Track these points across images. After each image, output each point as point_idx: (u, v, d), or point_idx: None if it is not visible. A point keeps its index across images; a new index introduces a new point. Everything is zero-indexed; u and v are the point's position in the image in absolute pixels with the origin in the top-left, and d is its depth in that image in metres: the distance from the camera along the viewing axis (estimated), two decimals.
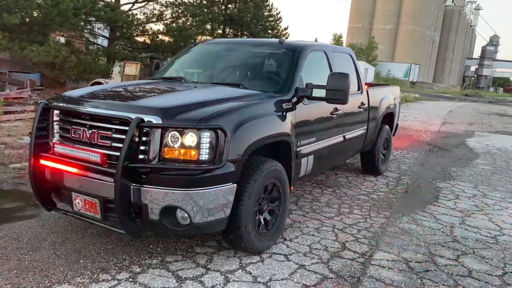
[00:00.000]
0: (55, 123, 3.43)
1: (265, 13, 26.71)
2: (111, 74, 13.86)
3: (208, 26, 25.45)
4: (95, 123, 3.16)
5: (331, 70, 4.83)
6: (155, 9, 18.56)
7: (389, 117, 6.77)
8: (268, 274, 3.26)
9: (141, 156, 3.00)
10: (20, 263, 3.18)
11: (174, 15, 19.21)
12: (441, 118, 18.02)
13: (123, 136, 2.95)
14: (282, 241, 3.90)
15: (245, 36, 25.15)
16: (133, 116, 2.96)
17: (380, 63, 64.10)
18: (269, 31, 27.08)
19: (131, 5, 17.12)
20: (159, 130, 2.97)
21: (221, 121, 3.06)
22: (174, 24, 19.35)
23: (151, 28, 19.40)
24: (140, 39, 18.85)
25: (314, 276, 3.28)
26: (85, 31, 15.89)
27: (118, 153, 2.94)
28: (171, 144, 2.98)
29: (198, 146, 2.97)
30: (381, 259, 3.67)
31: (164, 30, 18.60)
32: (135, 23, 16.03)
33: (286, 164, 3.85)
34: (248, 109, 3.41)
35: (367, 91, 5.85)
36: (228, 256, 3.52)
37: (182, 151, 2.98)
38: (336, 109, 4.74)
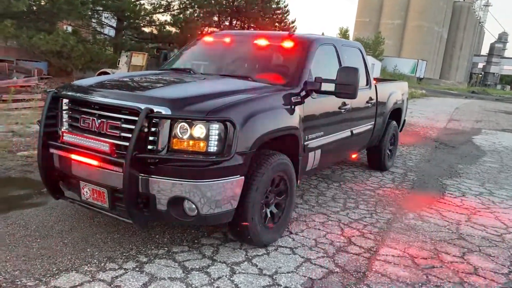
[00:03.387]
0: (64, 112, 3.44)
1: (273, 6, 26.54)
2: (118, 64, 13.86)
3: (215, 18, 25.37)
4: (104, 112, 3.16)
5: (340, 64, 4.81)
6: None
7: (396, 113, 6.74)
8: (274, 266, 3.27)
9: (150, 147, 3.00)
10: (28, 250, 3.20)
11: (181, 6, 19.12)
12: (447, 115, 17.92)
13: (132, 126, 2.95)
14: (288, 234, 3.90)
15: (252, 29, 25.02)
16: (142, 106, 2.95)
17: (387, 58, 63.74)
18: (277, 24, 26.94)
19: None
20: (168, 121, 2.97)
21: (230, 113, 3.05)
22: (181, 15, 19.28)
23: (158, 19, 19.38)
24: (147, 29, 18.81)
25: (319, 270, 3.29)
26: (93, 20, 15.86)
27: (127, 143, 2.94)
28: (180, 135, 2.98)
29: (206, 138, 2.97)
30: (386, 255, 3.67)
31: (171, 21, 18.54)
32: (142, 13, 15.98)
33: (293, 158, 3.85)
34: (257, 102, 3.40)
35: (375, 86, 5.82)
36: (234, 248, 3.53)
37: (191, 142, 2.98)
38: (344, 104, 4.72)
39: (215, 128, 2.97)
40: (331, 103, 4.49)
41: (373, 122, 5.79)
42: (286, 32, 4.57)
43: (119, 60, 13.95)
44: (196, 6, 18.98)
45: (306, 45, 4.32)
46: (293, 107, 3.79)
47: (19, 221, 3.70)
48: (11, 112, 8.27)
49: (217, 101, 3.16)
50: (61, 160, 3.35)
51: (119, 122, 3.09)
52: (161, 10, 17.81)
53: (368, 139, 5.86)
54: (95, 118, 3.20)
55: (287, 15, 27.48)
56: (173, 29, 19.15)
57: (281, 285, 3.01)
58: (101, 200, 3.20)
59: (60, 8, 11.75)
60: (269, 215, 3.62)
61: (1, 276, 2.81)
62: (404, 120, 7.45)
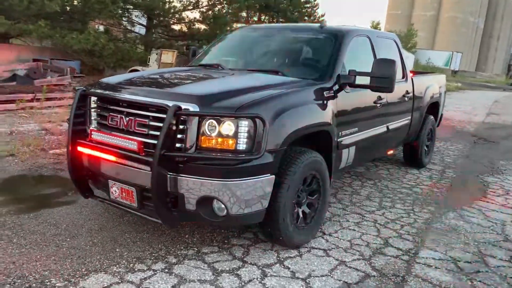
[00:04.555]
0: (92, 109, 3.39)
1: (302, 0, 26.19)
2: (148, 62, 13.95)
3: (244, 14, 25.26)
4: (132, 110, 3.09)
5: (375, 56, 4.60)
6: None
7: (434, 107, 6.44)
8: (307, 269, 3.13)
9: (178, 145, 2.90)
10: (58, 250, 3.18)
11: (210, 3, 19.08)
12: (485, 108, 17.19)
13: (160, 124, 2.87)
14: (321, 235, 3.75)
15: (281, 23, 24.76)
16: (170, 103, 2.86)
17: (420, 51, 62.07)
18: (306, 17, 26.57)
19: None
20: (197, 118, 2.87)
21: (259, 110, 2.92)
22: (210, 12, 19.26)
23: (187, 16, 19.41)
24: (176, 27, 18.88)
25: (355, 274, 3.12)
26: (124, 19, 16.02)
27: (155, 141, 2.87)
28: (208, 133, 2.87)
29: (235, 135, 2.85)
30: (426, 258, 3.46)
31: (200, 18, 18.53)
32: (172, 11, 16.03)
33: (326, 155, 3.69)
34: (287, 97, 3.26)
35: (412, 79, 5.56)
36: (265, 249, 3.41)
37: (220, 140, 2.87)
38: (379, 98, 4.51)
39: (244, 125, 2.84)
40: (366, 97, 4.29)
41: (409, 117, 5.54)
42: (317, 24, 4.38)
43: (149, 58, 14.04)
44: (224, 2, 18.89)
45: (338, 37, 4.13)
46: (325, 102, 3.63)
47: (49, 219, 3.69)
48: (44, 110, 8.42)
49: (245, 97, 3.03)
50: (89, 159, 3.30)
51: (147, 120, 3.01)
52: (190, 7, 17.80)
53: (405, 134, 5.61)
54: (123, 116, 3.13)
55: (317, 9, 27.09)
56: (202, 26, 19.15)
57: None
58: (130, 199, 3.13)
59: (91, 7, 11.92)
60: (301, 215, 3.47)
61: (31, 277, 2.79)
62: (442, 115, 7.13)
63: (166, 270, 2.98)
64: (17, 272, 2.83)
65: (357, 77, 3.86)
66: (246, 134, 2.85)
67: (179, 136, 2.90)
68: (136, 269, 2.97)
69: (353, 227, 3.97)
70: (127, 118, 3.10)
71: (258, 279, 2.95)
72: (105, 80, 3.58)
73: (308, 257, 3.33)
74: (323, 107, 3.57)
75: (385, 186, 5.33)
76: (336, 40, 4.12)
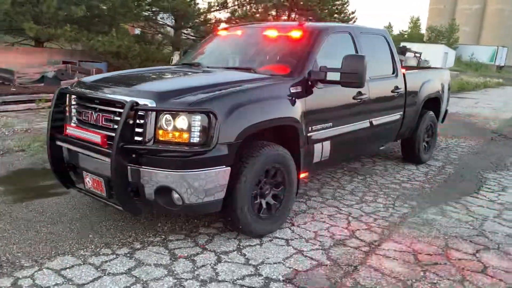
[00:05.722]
0: (72, 106, 3.68)
1: None
2: (171, 62, 14.34)
3: (273, 12, 25.38)
4: (100, 106, 3.35)
5: (357, 53, 4.65)
6: None
7: (433, 103, 6.37)
8: (262, 257, 3.27)
9: (138, 138, 3.12)
10: (37, 234, 3.48)
11: (236, 3, 19.35)
12: None
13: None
14: (289, 226, 3.87)
15: (309, 21, 24.71)
16: (128, 99, 3.09)
17: (462, 46, 59.98)
18: (336, 15, 26.38)
19: None
20: (154, 113, 3.08)
21: (213, 105, 3.09)
22: (237, 12, 19.53)
23: (215, 17, 19.77)
24: (204, 27, 19.25)
25: (308, 262, 3.23)
26: (150, 21, 16.56)
27: None
28: (165, 127, 3.08)
29: (189, 129, 3.04)
30: (388, 249, 3.52)
31: (228, 18, 18.83)
32: (195, 13, 16.40)
33: (295, 149, 3.82)
34: (245, 93, 3.41)
35: (403, 74, 5.54)
36: (229, 238, 3.58)
37: (176, 133, 3.07)
38: (360, 93, 4.56)
39: (197, 119, 3.03)
40: (343, 93, 4.35)
41: (401, 112, 5.53)
42: (296, 23, 4.49)
43: (172, 59, 14.44)
44: (252, 2, 19.10)
45: (311, 34, 4.24)
46: (291, 97, 3.74)
47: (38, 208, 4.02)
48: None
49: (202, 93, 3.21)
50: (67, 152, 3.59)
51: (111, 115, 3.25)
52: (215, 8, 18.13)
53: (397, 130, 5.61)
54: (93, 112, 3.40)
55: (347, 6, 26.81)
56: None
57: (262, 275, 3.02)
58: (100, 189, 3.39)
59: (116, 11, 12.45)
60: (264, 206, 3.61)
61: (4, 257, 3.09)
62: (446, 111, 7.02)
63: (128, 255, 3.21)
64: None
65: (328, 73, 3.95)
66: (199, 128, 3.04)
67: (139, 130, 3.12)
68: (101, 253, 3.22)
69: (325, 219, 4.07)
70: (96, 114, 3.36)
71: (211, 265, 3.13)
72: (84, 79, 3.87)
73: (268, 246, 3.47)
74: (288, 102, 3.69)
75: (374, 182, 5.36)
76: (309, 37, 4.23)
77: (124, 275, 2.94)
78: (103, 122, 3.31)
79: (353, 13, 27.07)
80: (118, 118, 3.18)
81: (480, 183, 5.55)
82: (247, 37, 4.74)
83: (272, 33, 4.50)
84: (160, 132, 3.08)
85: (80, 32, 12.32)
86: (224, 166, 3.18)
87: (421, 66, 23.67)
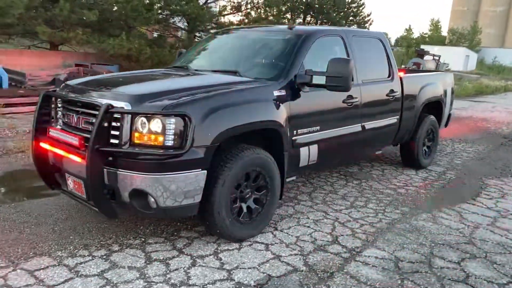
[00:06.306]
0: (58, 109, 3.72)
1: (347, 0, 25.83)
2: None
3: (288, 16, 25.35)
4: (80, 109, 3.38)
5: (348, 56, 4.60)
6: (231, 1, 18.92)
7: (435, 107, 6.24)
8: (238, 262, 3.25)
9: (114, 141, 3.14)
10: (19, 235, 3.53)
11: (250, 6, 19.40)
12: None
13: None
14: (272, 230, 3.84)
15: (323, 25, 24.59)
16: (106, 102, 3.11)
17: (485, 49, 58.93)
18: (351, 17, 26.19)
19: None
20: (130, 116, 3.09)
21: (188, 108, 3.09)
22: (251, 15, 19.57)
23: (229, 20, 19.86)
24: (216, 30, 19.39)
25: (283, 268, 3.19)
26: (163, 24, 16.73)
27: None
28: (140, 130, 3.09)
29: (163, 132, 3.04)
30: (369, 256, 3.45)
31: (240, 21, 18.89)
32: (207, 16, 16.50)
33: (280, 153, 3.79)
34: (223, 97, 3.39)
35: (400, 78, 5.45)
36: (208, 241, 3.56)
37: (151, 136, 3.07)
38: (350, 97, 4.50)
39: (171, 122, 3.03)
40: (332, 97, 4.29)
41: (398, 116, 5.44)
42: (286, 26, 4.46)
43: None
44: (264, 5, 19.11)
45: (299, 38, 4.20)
46: (276, 101, 3.72)
47: (26, 209, 4.08)
48: None
49: (178, 97, 3.21)
50: (51, 154, 3.64)
51: (90, 118, 3.28)
52: (228, 12, 18.22)
53: (393, 134, 5.51)
54: (74, 115, 3.44)
55: (363, 8, 26.57)
56: None
57: (234, 280, 2.99)
58: (80, 191, 3.41)
59: (127, 15, 12.63)
60: (245, 210, 3.59)
61: None
62: (450, 115, 6.87)
63: (104, 257, 3.23)
64: None
65: (314, 76, 3.90)
66: (173, 131, 3.03)
67: (115, 132, 3.14)
68: (77, 255, 3.24)
69: (309, 224, 4.02)
70: (77, 117, 3.40)
71: (185, 268, 3.11)
72: (70, 82, 3.91)
73: (246, 250, 3.44)
74: (270, 105, 3.66)
75: (368, 186, 5.27)
76: (297, 41, 4.19)
77: (96, 277, 2.95)
78: (83, 125, 3.34)
79: (368, 15, 26.83)
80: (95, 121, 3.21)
81: (479, 190, 5.41)
82: (237, 40, 4.74)
83: (260, 36, 4.49)
84: (136, 135, 3.09)
85: (92, 35, 12.53)
86: (200, 169, 3.17)
87: (439, 69, 23.32)
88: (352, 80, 4.53)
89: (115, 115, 3.12)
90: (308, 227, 3.96)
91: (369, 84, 4.85)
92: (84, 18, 11.81)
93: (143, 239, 3.55)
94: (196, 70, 4.34)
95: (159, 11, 14.77)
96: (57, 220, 3.86)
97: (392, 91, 5.23)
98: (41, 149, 3.67)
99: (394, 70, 5.35)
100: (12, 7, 10.97)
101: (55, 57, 14.03)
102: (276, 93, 3.75)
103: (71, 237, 3.54)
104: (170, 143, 3.04)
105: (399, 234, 3.91)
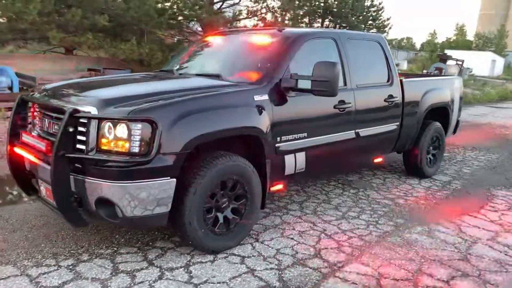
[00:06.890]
0: (32, 113, 3.65)
1: (366, 4, 25.46)
2: None
3: (306, 20, 25.16)
4: (50, 113, 3.29)
5: (341, 60, 4.40)
6: (247, 6, 18.86)
7: (440, 113, 5.96)
8: (208, 275, 3.07)
9: (81, 147, 3.02)
10: None
11: (266, 10, 19.27)
12: None
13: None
14: (252, 241, 3.65)
15: (341, 29, 24.28)
16: (70, 106, 3.00)
17: None
18: (370, 21, 25.80)
19: (221, 3, 17.65)
20: (96, 121, 2.97)
21: (155, 113, 2.94)
22: (267, 19, 19.45)
23: (244, 25, 19.77)
24: None
25: (255, 283, 3.00)
26: (177, 29, 16.76)
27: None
28: (107, 136, 2.96)
29: (129, 138, 2.90)
30: (350, 272, 3.23)
31: (254, 26, 18.80)
32: (221, 21, 16.44)
33: (262, 160, 3.62)
34: (196, 101, 3.23)
35: (401, 82, 5.20)
36: (182, 253, 3.40)
37: (118, 142, 2.94)
38: (342, 102, 4.29)
39: (137, 128, 2.89)
40: (322, 102, 4.09)
41: (398, 123, 5.19)
42: (275, 29, 4.29)
43: None
44: (279, 10, 18.96)
45: (286, 40, 4.03)
46: (256, 106, 3.54)
47: (5, 214, 4.01)
48: None
49: (147, 101, 3.08)
50: (24, 159, 3.55)
51: (59, 122, 3.17)
52: (244, 16, 18.15)
53: (393, 142, 5.26)
54: (46, 119, 3.35)
55: (382, 12, 26.13)
56: None
57: None
58: (51, 198, 3.30)
59: (139, 19, 12.68)
60: (221, 220, 3.42)
61: None
62: (458, 121, 6.56)
63: (70, 267, 3.11)
64: None
65: (300, 80, 3.72)
66: (139, 137, 2.90)
67: (82, 138, 3.02)
68: (43, 264, 3.13)
69: (294, 236, 3.81)
70: (48, 121, 3.31)
71: (150, 282, 2.96)
72: (47, 85, 3.83)
73: (220, 263, 3.27)
74: (250, 111, 3.49)
75: (365, 196, 5.03)
76: (283, 43, 4.02)
77: None
78: (53, 130, 3.25)
79: (388, 19, 26.39)
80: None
81: (485, 201, 5.09)
82: (225, 44, 4.59)
83: (249, 39, 4.33)
84: (103, 141, 2.97)
85: (104, 40, 12.61)
86: (169, 178, 3.02)
87: (462, 74, 22.70)
88: (345, 85, 4.41)
89: (82, 120, 3.00)
90: (292, 239, 3.76)
91: (365, 88, 4.63)
92: (96, 23, 11.86)
93: (115, 249, 3.42)
94: (180, 73, 4.21)
95: (173, 16, 14.77)
96: (32, 227, 3.77)
97: (391, 96, 4.99)
98: (16, 154, 3.59)
99: (393, 74, 5.11)
100: (25, 13, 11.13)
101: (69, 62, 14.19)
102: (257, 97, 3.58)
103: (42, 245, 3.44)
104: (136, 149, 2.90)
105: (388, 248, 3.68)
